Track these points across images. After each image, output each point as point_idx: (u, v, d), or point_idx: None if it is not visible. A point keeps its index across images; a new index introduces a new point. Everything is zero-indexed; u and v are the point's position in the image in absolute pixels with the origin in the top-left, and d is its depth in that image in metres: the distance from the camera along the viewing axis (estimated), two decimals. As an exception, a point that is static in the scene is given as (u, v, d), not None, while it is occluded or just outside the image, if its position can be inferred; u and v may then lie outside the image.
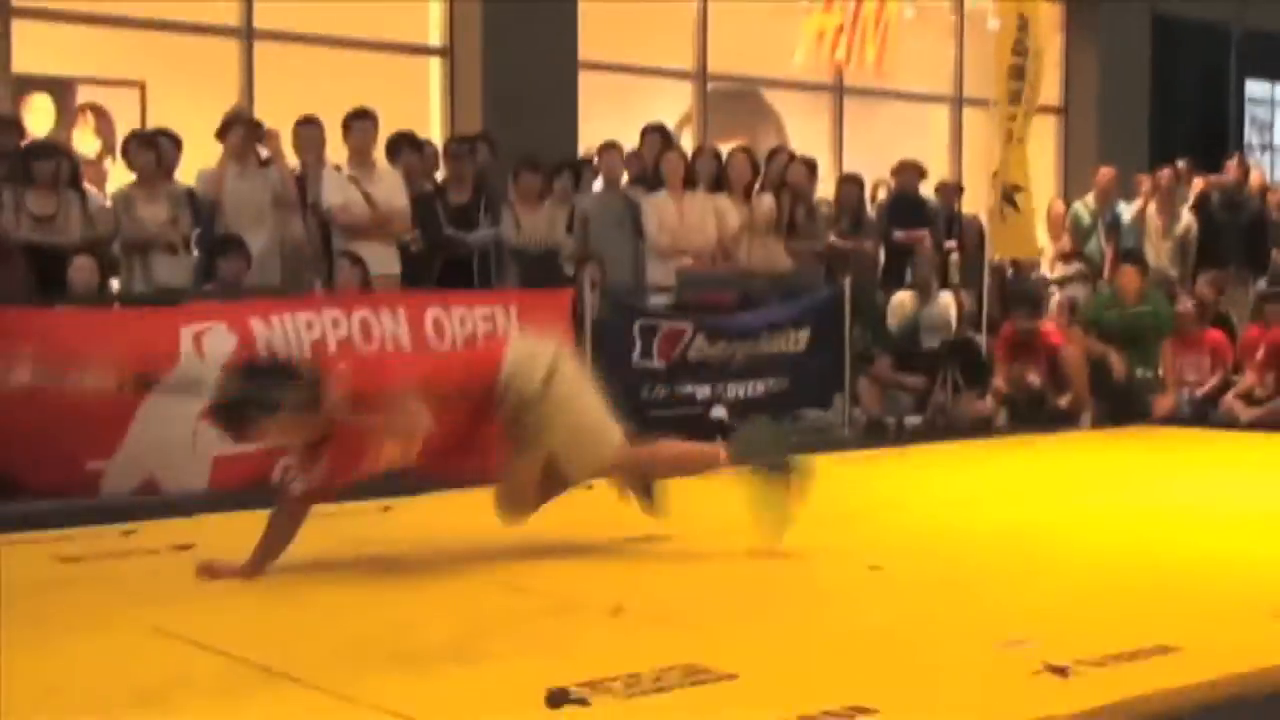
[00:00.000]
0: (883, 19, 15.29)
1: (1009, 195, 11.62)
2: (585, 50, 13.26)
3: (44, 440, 7.47)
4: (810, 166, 11.63)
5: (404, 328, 8.71)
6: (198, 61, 11.80)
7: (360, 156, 9.74)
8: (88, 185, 9.51)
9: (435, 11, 13.02)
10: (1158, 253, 13.15)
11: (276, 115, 10.49)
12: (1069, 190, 16.71)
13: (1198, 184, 13.77)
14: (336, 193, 9.60)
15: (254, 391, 5.27)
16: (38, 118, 11.02)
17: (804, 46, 15.10)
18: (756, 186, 11.11)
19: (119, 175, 10.13)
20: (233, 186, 9.53)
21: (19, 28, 11.01)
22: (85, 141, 11.28)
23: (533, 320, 8.97)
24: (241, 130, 9.58)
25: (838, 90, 15.52)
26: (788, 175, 11.32)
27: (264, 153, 9.79)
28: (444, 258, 10.03)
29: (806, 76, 15.36)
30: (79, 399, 7.54)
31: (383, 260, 9.63)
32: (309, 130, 10.06)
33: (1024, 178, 11.81)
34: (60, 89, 11.35)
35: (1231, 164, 14.12)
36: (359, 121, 9.78)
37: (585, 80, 13.24)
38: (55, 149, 9.40)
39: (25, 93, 11.13)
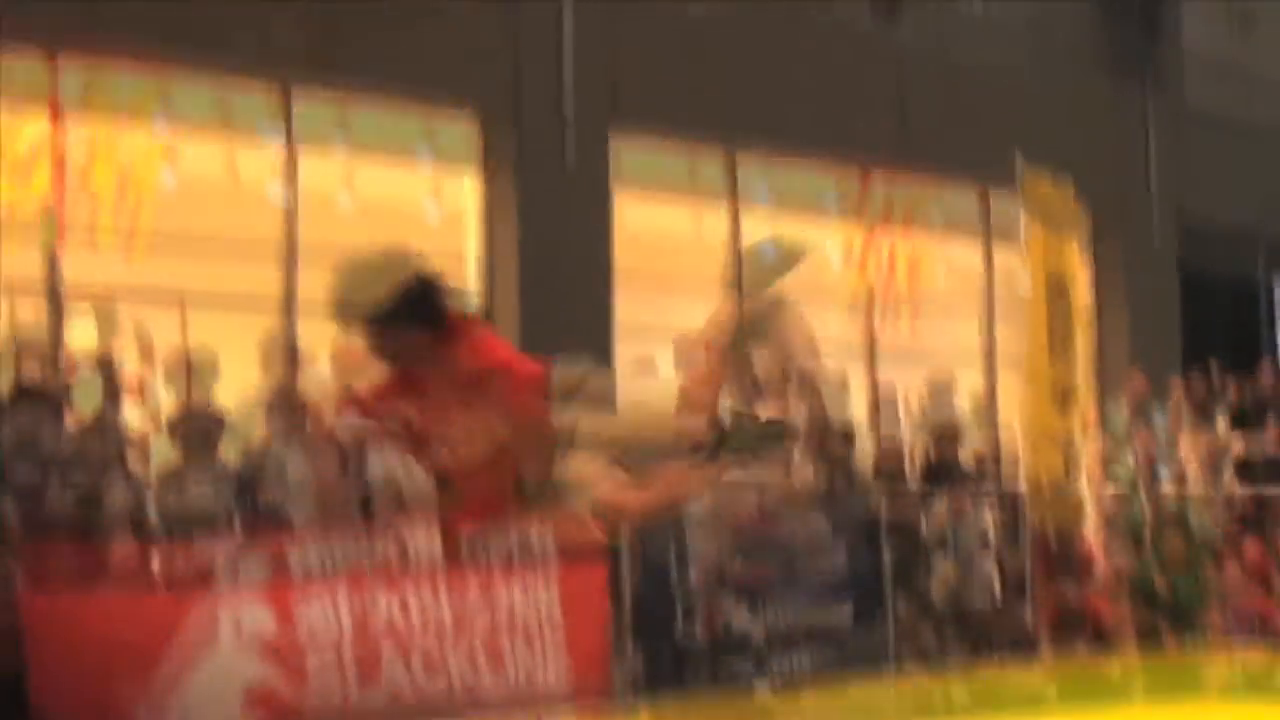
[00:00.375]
0: (915, 282, 15.42)
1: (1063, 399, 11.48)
2: (622, 313, 13.39)
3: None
4: (848, 436, 11.62)
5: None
6: (242, 335, 11.87)
7: None
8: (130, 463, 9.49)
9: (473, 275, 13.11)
10: (1188, 460, 12.94)
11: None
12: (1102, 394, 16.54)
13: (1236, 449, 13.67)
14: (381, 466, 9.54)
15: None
16: (82, 333, 11.04)
17: (836, 312, 15.19)
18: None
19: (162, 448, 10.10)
20: (278, 464, 9.49)
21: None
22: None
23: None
24: (285, 411, 9.58)
25: (869, 356, 15.51)
26: (826, 441, 11.29)
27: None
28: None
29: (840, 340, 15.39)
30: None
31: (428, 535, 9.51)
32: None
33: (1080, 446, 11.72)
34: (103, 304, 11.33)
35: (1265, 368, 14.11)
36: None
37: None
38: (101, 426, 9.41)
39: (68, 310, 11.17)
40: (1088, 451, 12.11)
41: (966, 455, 12.84)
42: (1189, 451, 13.18)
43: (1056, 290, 11.72)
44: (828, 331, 15.15)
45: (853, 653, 10.32)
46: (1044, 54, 16.58)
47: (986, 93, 15.77)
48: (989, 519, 12.25)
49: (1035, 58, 16.56)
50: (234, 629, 7.83)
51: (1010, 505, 12.32)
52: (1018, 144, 11.68)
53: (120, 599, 8.19)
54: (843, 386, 12.50)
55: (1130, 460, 13.26)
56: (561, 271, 13.02)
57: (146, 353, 10.59)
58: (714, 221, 14.70)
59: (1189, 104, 17.96)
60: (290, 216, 12.15)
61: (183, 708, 7.55)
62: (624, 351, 13.23)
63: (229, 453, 9.74)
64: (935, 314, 15.83)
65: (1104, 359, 16.82)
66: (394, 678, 8.15)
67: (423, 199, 13.04)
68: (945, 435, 12.47)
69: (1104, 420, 13.67)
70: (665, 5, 13.80)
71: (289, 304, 12.09)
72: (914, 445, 12.93)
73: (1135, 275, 17.21)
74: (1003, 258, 15.75)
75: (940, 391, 12.54)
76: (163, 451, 9.91)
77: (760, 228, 14.79)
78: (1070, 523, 12.23)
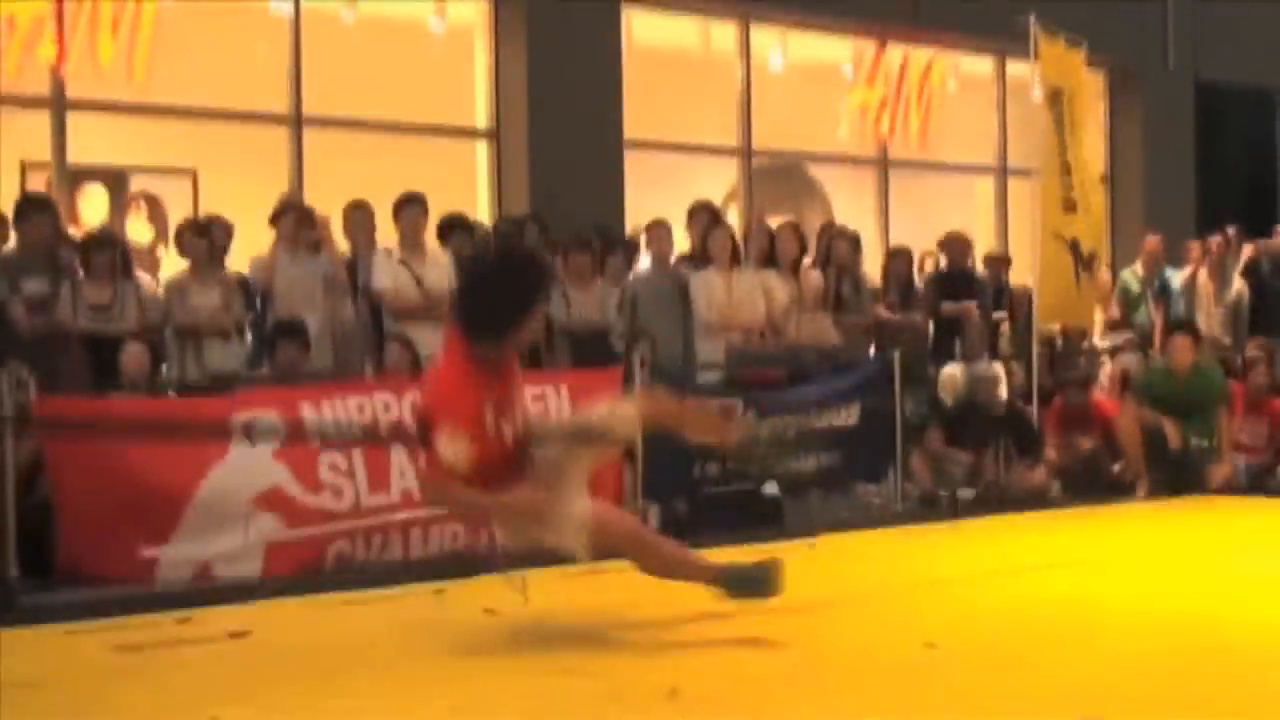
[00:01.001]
0: (925, 91, 15.35)
1: (1088, 263, 11.57)
2: (630, 129, 13.35)
3: (103, 528, 7.50)
4: (855, 241, 11.57)
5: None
6: (248, 149, 11.94)
7: (410, 240, 9.78)
8: (141, 273, 9.58)
9: (481, 94, 13.14)
10: (1209, 320, 13.05)
11: (326, 201, 10.56)
12: (1116, 259, 16.62)
13: (1247, 250, 13.66)
14: (386, 276, 9.64)
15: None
16: (92, 207, 11.15)
17: (848, 120, 15.15)
18: (805, 262, 11.09)
19: (172, 263, 10.21)
20: (285, 273, 9.58)
21: (73, 120, 11.17)
22: (139, 230, 11.39)
23: (584, 399, 8.94)
24: (293, 217, 9.64)
25: (882, 164, 15.54)
26: (833, 250, 11.29)
27: (315, 238, 9.83)
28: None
29: (851, 150, 15.40)
30: (135, 485, 7.55)
31: (433, 342, 9.59)
32: (359, 214, 10.14)
33: (1097, 244, 11.77)
34: (114, 179, 11.50)
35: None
36: (408, 206, 9.82)
37: (631, 159, 13.32)
38: (111, 239, 9.48)
39: (80, 183, 11.27)
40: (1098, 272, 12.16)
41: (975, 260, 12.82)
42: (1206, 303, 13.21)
43: (1066, 111, 11.76)
44: (838, 144, 15.21)
45: (860, 454, 10.40)
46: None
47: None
48: (997, 323, 12.31)
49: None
50: (244, 433, 7.93)
51: (1022, 309, 12.37)
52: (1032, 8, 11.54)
53: (133, 402, 8.37)
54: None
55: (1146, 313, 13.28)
56: (570, 89, 12.93)
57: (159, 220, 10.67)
58: (724, 36, 14.55)
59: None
60: (295, 33, 12.04)
61: (196, 513, 7.69)
62: (632, 168, 13.25)
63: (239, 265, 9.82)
64: (947, 126, 15.71)
65: (1119, 223, 16.84)
66: (404, 479, 8.30)
67: (428, 15, 12.89)
68: (953, 241, 12.43)
69: (1120, 283, 13.61)
70: None
71: (297, 121, 12.05)
72: (923, 256, 12.94)
73: (1151, 138, 17.07)
74: (1015, 68, 15.58)
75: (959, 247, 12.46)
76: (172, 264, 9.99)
77: (772, 42, 14.72)
78: (1079, 321, 12.31)
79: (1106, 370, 12.29)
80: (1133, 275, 13.63)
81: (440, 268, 9.78)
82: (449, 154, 13.01)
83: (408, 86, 12.69)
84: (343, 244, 10.05)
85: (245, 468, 7.80)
